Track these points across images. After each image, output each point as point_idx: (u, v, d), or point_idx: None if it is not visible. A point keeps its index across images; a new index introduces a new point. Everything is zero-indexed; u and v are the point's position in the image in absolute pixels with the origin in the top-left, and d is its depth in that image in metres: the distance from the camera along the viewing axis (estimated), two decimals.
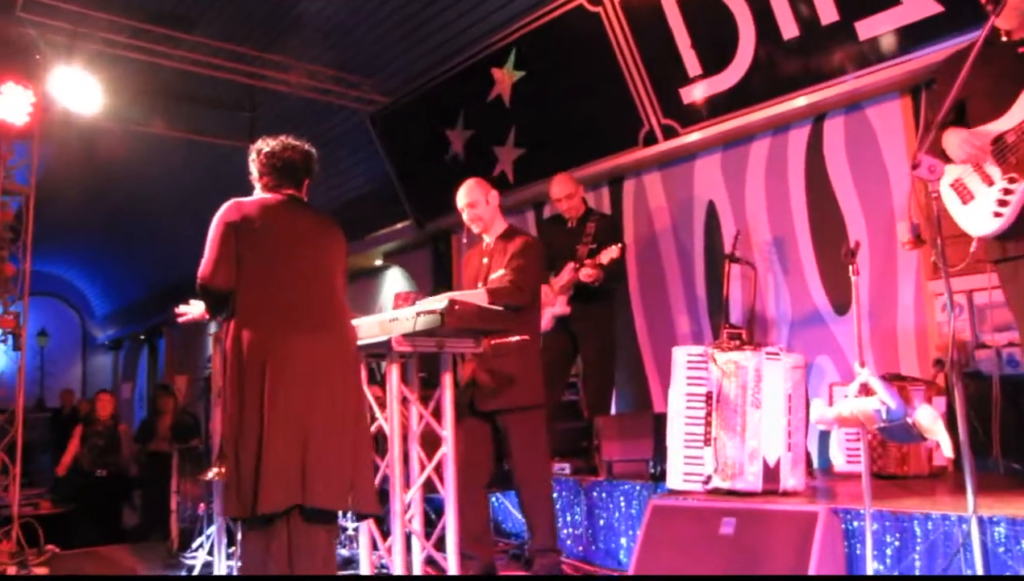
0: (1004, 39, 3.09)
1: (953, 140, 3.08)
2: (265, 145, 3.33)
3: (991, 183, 3.04)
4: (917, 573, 2.93)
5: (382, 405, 3.80)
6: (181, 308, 3.71)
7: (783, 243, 5.40)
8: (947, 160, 3.15)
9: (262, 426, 2.90)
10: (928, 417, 2.66)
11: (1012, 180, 2.97)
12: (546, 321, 5.20)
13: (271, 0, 6.95)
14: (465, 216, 4.10)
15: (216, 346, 4.34)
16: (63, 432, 10.73)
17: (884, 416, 2.71)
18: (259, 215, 3.14)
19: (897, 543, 3.01)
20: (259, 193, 3.32)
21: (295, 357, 2.99)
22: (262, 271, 3.08)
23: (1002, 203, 3.00)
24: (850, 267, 3.04)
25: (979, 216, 3.09)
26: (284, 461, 2.90)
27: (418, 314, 3.39)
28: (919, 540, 2.95)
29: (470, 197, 4.07)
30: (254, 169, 3.34)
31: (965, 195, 3.13)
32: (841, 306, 5.07)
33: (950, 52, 4.22)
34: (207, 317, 3.46)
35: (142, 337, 16.13)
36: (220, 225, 3.11)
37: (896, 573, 3.00)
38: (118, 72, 7.02)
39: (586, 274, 4.94)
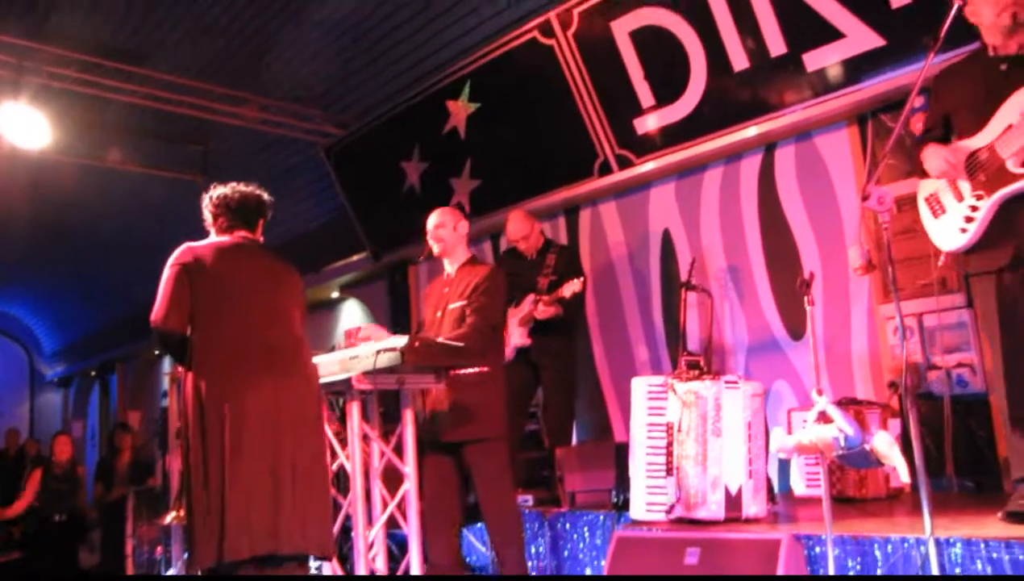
0: (991, 54, 3.13)
1: (931, 156, 3.13)
2: (217, 190, 3.34)
3: (961, 199, 3.08)
4: None
5: (342, 442, 3.78)
6: None
7: (738, 270, 5.49)
8: (925, 174, 3.22)
9: (223, 475, 2.85)
10: (884, 443, 2.72)
11: (979, 197, 3.02)
12: (507, 352, 5.21)
13: (224, 34, 6.92)
14: (429, 235, 4.13)
15: (172, 386, 4.29)
16: (11, 473, 10.39)
17: (842, 443, 2.76)
18: (213, 258, 3.12)
19: (859, 567, 3.05)
20: (213, 236, 3.29)
21: (255, 404, 2.95)
22: (218, 316, 3.05)
23: (968, 219, 3.05)
24: (805, 298, 3.09)
25: (948, 231, 3.14)
26: (251, 509, 2.85)
27: (378, 352, 3.39)
28: (879, 563, 2.99)
29: (439, 219, 4.10)
30: (208, 213, 3.33)
31: (937, 209, 3.18)
32: (796, 331, 5.16)
33: (898, 82, 4.43)
34: None
35: (93, 373, 15.75)
36: (173, 268, 3.08)
37: None
38: (67, 106, 6.92)
39: (542, 312, 4.97)
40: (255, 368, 3.01)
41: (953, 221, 3.11)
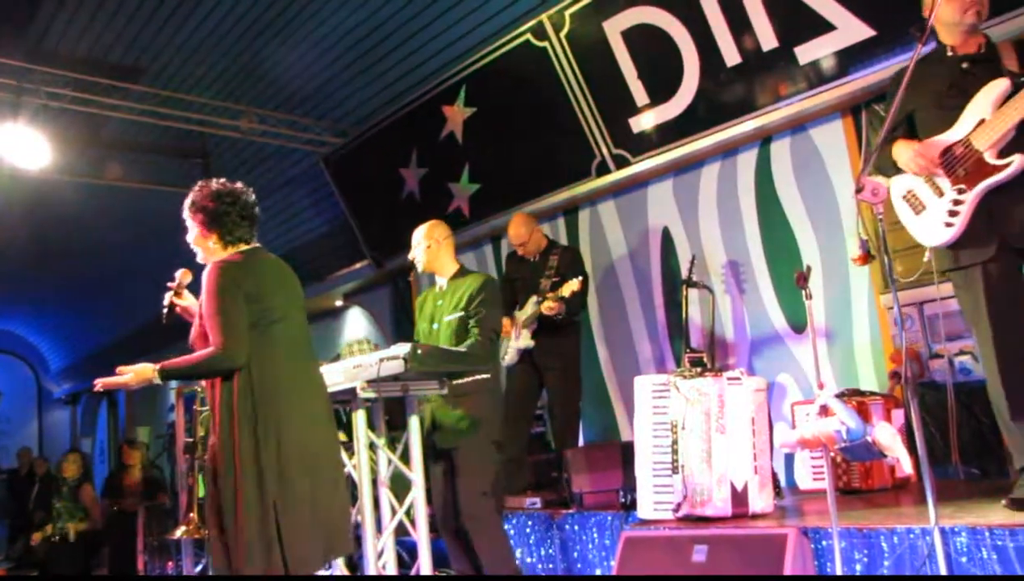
0: (950, 54, 3.21)
1: (904, 153, 3.17)
2: (230, 191, 3.15)
3: (941, 194, 3.12)
4: None
5: (348, 451, 3.80)
6: (106, 380, 3.08)
7: (738, 265, 5.50)
8: (899, 171, 3.25)
9: (287, 485, 2.86)
10: (887, 435, 2.72)
11: (961, 191, 3.06)
12: (511, 355, 5.23)
13: (219, 47, 6.95)
14: (410, 255, 4.21)
15: (179, 400, 4.29)
16: (23, 492, 10.43)
17: (845, 436, 2.76)
18: (259, 275, 3.05)
19: (865, 559, 3.06)
20: (232, 247, 3.13)
21: (300, 419, 2.96)
22: (268, 336, 2.99)
23: (952, 213, 3.08)
24: (803, 292, 3.11)
25: (931, 227, 3.16)
26: (314, 517, 2.89)
27: (381, 360, 3.40)
28: (886, 555, 3.00)
29: (415, 239, 4.18)
30: (224, 218, 3.10)
31: (917, 206, 3.21)
32: (798, 324, 5.17)
33: (890, 71, 4.43)
34: (131, 386, 3.05)
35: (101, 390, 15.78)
36: (231, 290, 2.93)
37: None
38: (65, 125, 6.95)
39: (547, 307, 4.99)
40: (298, 389, 3.01)
41: (936, 217, 3.14)
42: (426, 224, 4.20)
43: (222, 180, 3.19)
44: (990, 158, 3.00)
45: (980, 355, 3.20)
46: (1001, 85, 3.01)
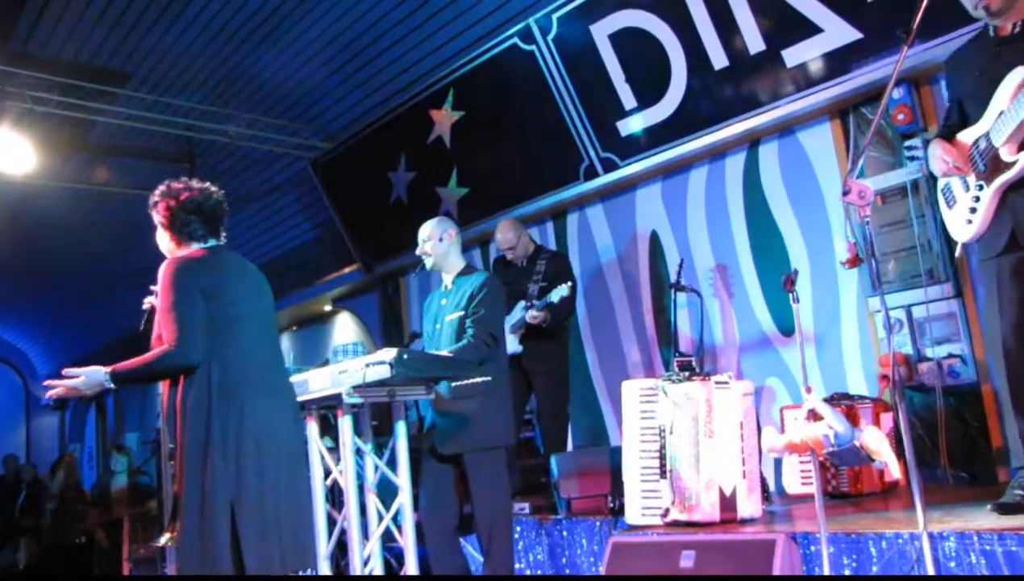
0: (991, 35, 3.06)
1: (931, 154, 3.12)
2: (185, 188, 3.10)
3: (967, 189, 3.07)
4: None
5: (334, 457, 3.77)
6: (54, 385, 3.01)
7: (726, 269, 5.49)
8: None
9: (247, 498, 2.80)
10: (874, 439, 2.71)
11: (980, 187, 3.00)
12: None
13: (206, 51, 6.92)
14: (419, 250, 4.13)
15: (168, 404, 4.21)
16: (9, 499, 10.35)
17: (832, 441, 2.74)
18: (218, 272, 2.97)
19: (854, 564, 3.04)
20: (192, 243, 3.08)
21: (263, 423, 2.90)
22: (228, 337, 2.91)
23: (972, 210, 3.04)
24: (790, 295, 3.09)
25: (958, 222, 3.12)
26: (279, 526, 2.84)
27: (367, 365, 3.38)
28: (875, 560, 2.98)
29: (425, 233, 4.10)
30: (184, 214, 3.05)
31: (950, 200, 3.16)
32: (787, 328, 5.16)
33: (877, 75, 4.44)
34: (82, 391, 2.97)
35: (89, 395, 15.69)
36: (185, 288, 2.87)
37: None
38: (50, 130, 6.90)
39: (532, 316, 4.97)
40: (259, 389, 2.93)
41: (961, 212, 3.09)
42: (433, 219, 4.14)
43: (184, 179, 3.17)
44: (1005, 155, 2.90)
45: (990, 351, 3.16)
46: (1019, 75, 2.85)
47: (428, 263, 4.11)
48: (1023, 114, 2.80)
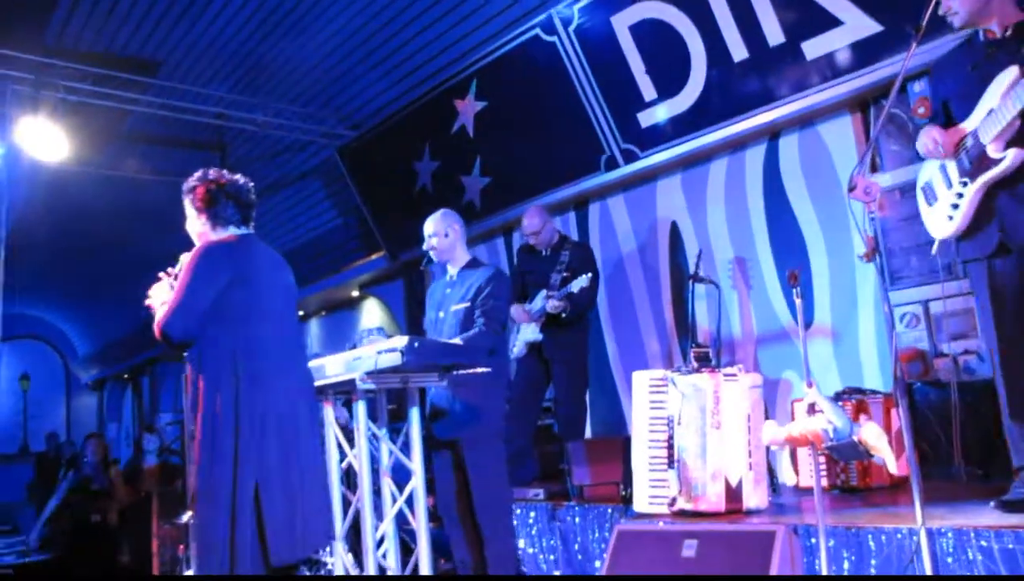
0: (981, 38, 3.11)
1: (922, 135, 3.14)
2: (219, 175, 3.21)
3: (950, 186, 3.09)
4: None
5: (349, 440, 3.86)
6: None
7: (745, 261, 5.49)
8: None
9: (262, 477, 2.88)
10: (873, 435, 2.73)
11: (964, 184, 3.02)
12: (519, 347, 5.28)
13: (235, 41, 7.03)
14: (425, 245, 4.21)
15: (189, 388, 4.34)
16: (49, 475, 10.67)
17: (831, 435, 2.78)
18: (246, 258, 3.07)
19: (853, 557, 3.07)
20: (226, 227, 3.17)
21: (284, 406, 3.00)
22: (250, 321, 3.01)
23: (954, 206, 3.06)
24: (794, 291, 3.11)
25: (939, 219, 3.14)
26: (293, 512, 2.92)
27: (379, 352, 3.45)
28: (873, 554, 3.01)
29: (430, 228, 4.17)
30: (223, 198, 3.16)
31: (931, 198, 3.19)
32: (805, 321, 5.14)
33: (898, 67, 4.41)
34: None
35: (126, 376, 16.07)
36: (208, 274, 2.97)
37: None
38: (85, 119, 7.06)
39: (552, 306, 5.03)
40: (280, 374, 3.04)
41: (942, 209, 3.11)
42: (437, 213, 4.20)
43: (217, 168, 3.27)
44: (992, 152, 2.93)
45: (986, 350, 3.18)
46: (1011, 74, 2.89)
47: (435, 257, 4.20)
48: (1013, 112, 2.84)
